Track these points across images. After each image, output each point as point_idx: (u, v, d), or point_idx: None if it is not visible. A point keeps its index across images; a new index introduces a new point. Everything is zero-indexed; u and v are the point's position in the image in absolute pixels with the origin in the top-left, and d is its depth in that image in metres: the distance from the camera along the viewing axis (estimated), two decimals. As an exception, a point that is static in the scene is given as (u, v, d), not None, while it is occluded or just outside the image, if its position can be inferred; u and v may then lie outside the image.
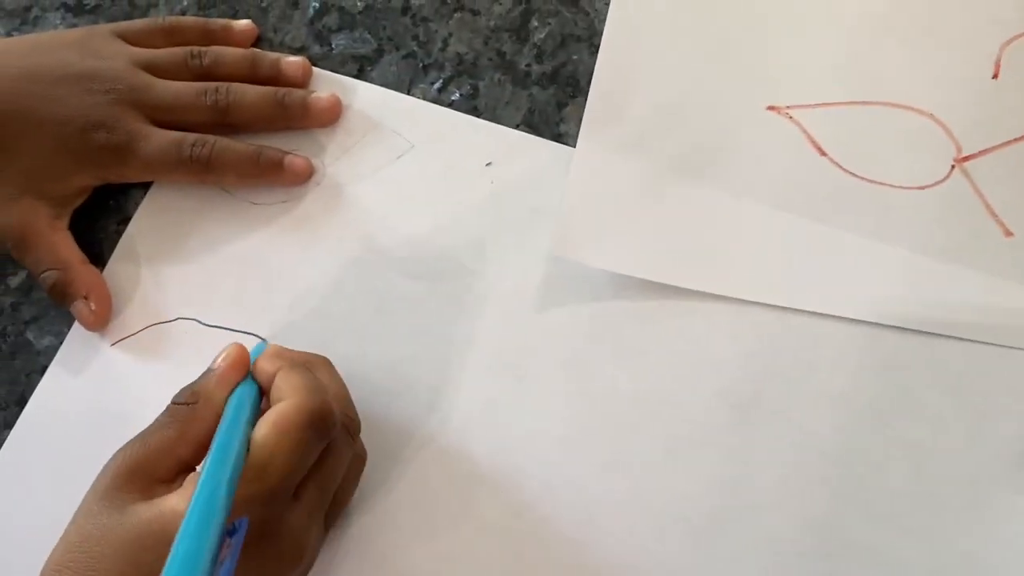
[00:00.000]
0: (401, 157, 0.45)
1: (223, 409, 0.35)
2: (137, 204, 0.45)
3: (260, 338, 0.42)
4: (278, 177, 0.44)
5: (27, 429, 0.41)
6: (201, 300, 0.43)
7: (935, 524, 0.38)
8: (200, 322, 0.43)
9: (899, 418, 0.39)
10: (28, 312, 0.43)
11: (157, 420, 0.35)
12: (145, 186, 0.45)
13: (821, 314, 0.40)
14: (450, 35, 0.46)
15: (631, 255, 0.41)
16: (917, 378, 0.39)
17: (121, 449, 0.34)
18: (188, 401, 0.35)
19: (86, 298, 0.42)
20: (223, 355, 0.36)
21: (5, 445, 0.41)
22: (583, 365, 0.41)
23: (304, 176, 0.44)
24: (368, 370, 0.41)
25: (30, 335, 0.43)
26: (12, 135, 0.42)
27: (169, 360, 0.42)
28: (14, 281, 0.44)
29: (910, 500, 0.38)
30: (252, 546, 0.31)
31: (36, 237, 0.42)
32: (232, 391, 0.35)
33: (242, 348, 0.37)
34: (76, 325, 0.42)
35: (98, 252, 0.44)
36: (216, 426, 0.34)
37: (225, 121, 0.44)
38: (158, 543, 0.31)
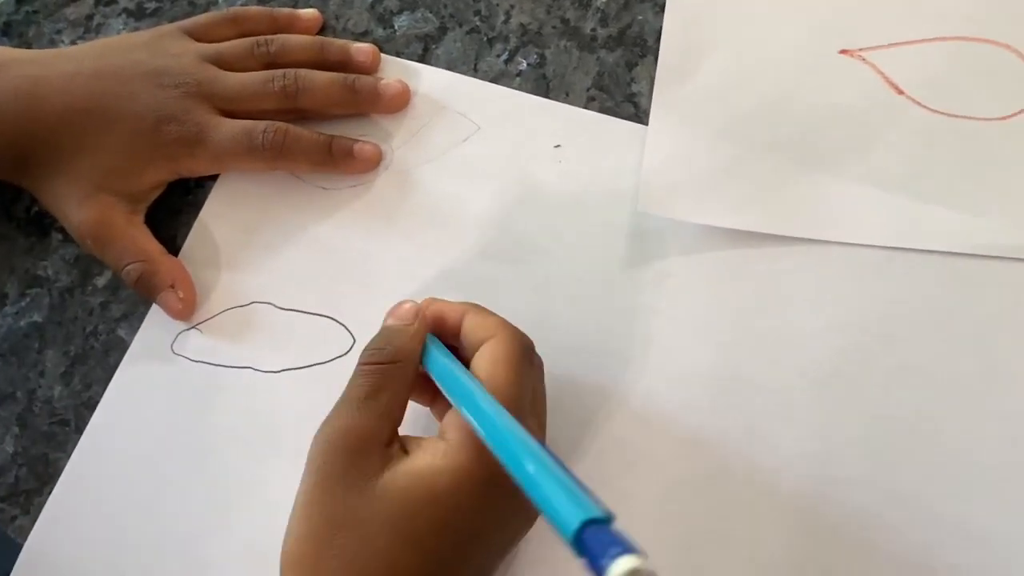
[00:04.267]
0: (468, 139, 0.45)
1: (419, 363, 0.34)
2: (214, 198, 0.45)
3: (336, 321, 0.42)
4: (350, 165, 0.44)
5: (108, 414, 0.42)
6: (274, 284, 0.43)
7: None
8: (275, 305, 0.43)
9: (986, 388, 0.38)
10: (117, 310, 0.43)
11: (359, 385, 0.33)
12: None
13: (899, 279, 0.39)
14: (512, 7, 0.46)
15: (713, 206, 0.41)
16: (1003, 347, 0.38)
17: (334, 422, 0.32)
18: (394, 359, 0.34)
19: (172, 287, 0.42)
20: (400, 312, 0.36)
21: (86, 432, 0.41)
22: (661, 343, 0.40)
23: (374, 163, 0.44)
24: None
25: (121, 332, 0.43)
26: (87, 133, 0.42)
27: (245, 343, 0.42)
28: (100, 281, 0.44)
29: (1005, 473, 0.37)
30: (499, 486, 0.30)
31: (115, 232, 0.42)
32: (423, 345, 0.35)
33: (418, 304, 0.36)
34: (152, 312, 0.43)
35: (177, 248, 0.44)
36: (413, 383, 0.34)
37: (294, 107, 0.44)
38: (424, 505, 0.30)
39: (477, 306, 0.36)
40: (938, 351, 0.39)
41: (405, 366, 0.34)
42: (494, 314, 0.35)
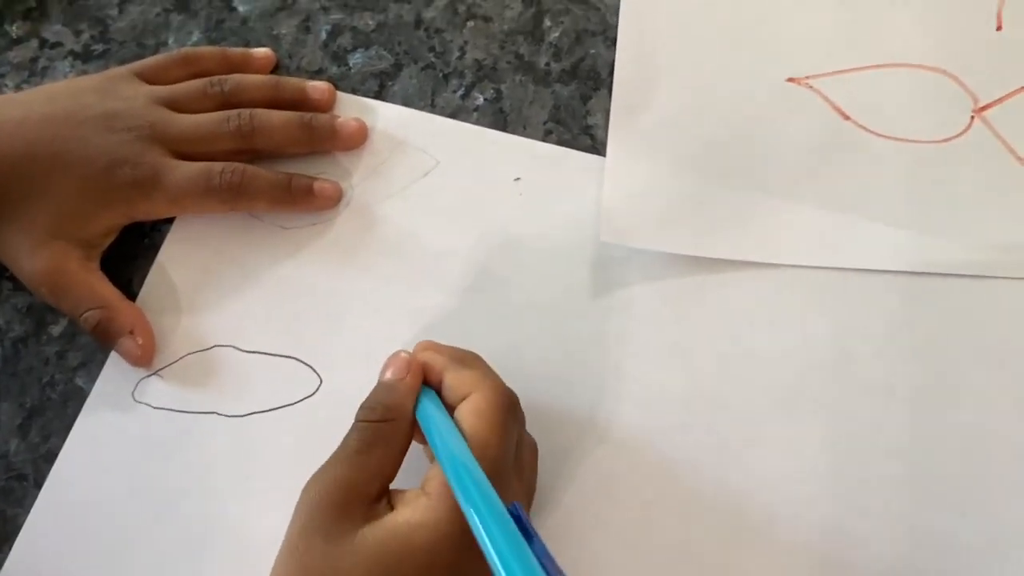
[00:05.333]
0: (428, 174, 0.45)
1: (413, 419, 0.34)
2: (170, 240, 0.44)
3: (302, 361, 0.42)
4: (310, 203, 0.44)
5: (68, 466, 0.40)
6: (236, 327, 0.43)
7: (993, 504, 0.38)
8: (238, 348, 0.42)
9: (945, 400, 0.39)
10: (75, 359, 0.42)
11: (353, 440, 0.33)
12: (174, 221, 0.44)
13: (857, 298, 0.41)
14: (466, 43, 0.47)
15: (673, 234, 0.42)
16: (958, 361, 0.40)
17: (324, 475, 0.33)
18: (386, 418, 0.34)
19: (131, 333, 0.41)
20: (396, 365, 0.35)
21: (45, 485, 0.40)
22: (628, 369, 0.40)
23: (334, 200, 0.44)
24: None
25: (79, 381, 0.42)
26: (38, 178, 0.41)
27: (209, 388, 0.41)
28: (56, 329, 0.43)
29: (964, 483, 0.38)
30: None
31: (70, 279, 0.41)
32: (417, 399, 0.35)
33: (412, 355, 0.36)
34: (111, 360, 0.42)
35: (134, 293, 0.43)
36: (410, 436, 0.34)
37: (250, 147, 0.44)
38: (400, 560, 0.30)
39: (459, 358, 0.36)
40: (895, 366, 0.40)
41: (399, 424, 0.34)
42: (476, 366, 0.35)
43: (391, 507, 0.32)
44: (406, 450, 0.34)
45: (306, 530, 0.31)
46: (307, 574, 0.31)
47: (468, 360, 0.36)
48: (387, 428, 0.34)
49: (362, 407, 0.35)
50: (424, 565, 0.30)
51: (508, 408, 0.34)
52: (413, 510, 0.31)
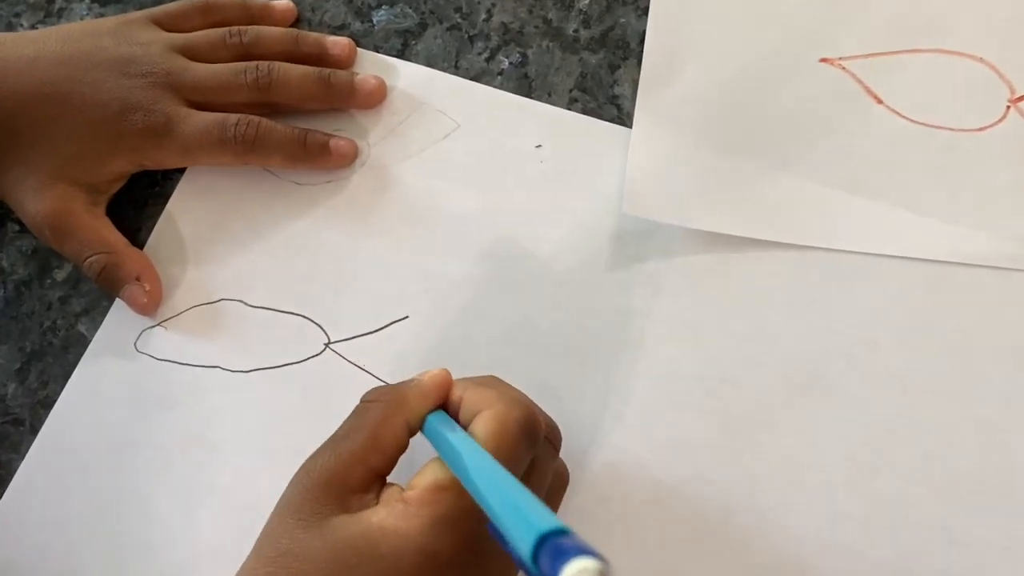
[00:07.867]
0: (447, 137, 0.44)
1: (418, 424, 0.32)
2: (181, 191, 0.43)
3: (310, 319, 0.41)
4: (325, 160, 0.43)
5: (66, 414, 0.40)
6: (245, 281, 0.42)
7: (1008, 501, 0.37)
8: (245, 303, 0.41)
9: (965, 395, 0.38)
10: (78, 304, 0.41)
11: (347, 423, 0.33)
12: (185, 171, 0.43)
13: (882, 285, 0.40)
14: (493, 5, 0.46)
15: (697, 210, 0.41)
16: (982, 355, 0.39)
17: (312, 458, 0.32)
18: (374, 399, 0.33)
19: (138, 280, 0.40)
20: (430, 374, 0.33)
21: (42, 432, 0.39)
22: (643, 345, 0.40)
23: (350, 159, 0.43)
24: (420, 353, 0.40)
25: (82, 328, 0.41)
26: (48, 120, 0.40)
27: (214, 341, 0.41)
28: (60, 274, 0.42)
29: (981, 478, 0.37)
30: (469, 566, 0.30)
31: (75, 223, 0.40)
32: (431, 410, 0.32)
33: (448, 374, 0.33)
34: (114, 308, 0.41)
35: (141, 242, 0.42)
36: (400, 430, 0.32)
37: (267, 100, 0.43)
38: (363, 560, 0.29)
39: (479, 380, 0.34)
40: (916, 356, 0.39)
41: (384, 407, 0.32)
42: (495, 386, 0.33)
43: (379, 502, 0.31)
44: (396, 441, 0.32)
45: (284, 511, 0.31)
46: (276, 552, 0.30)
47: (488, 381, 0.34)
48: (372, 408, 0.32)
49: (369, 389, 0.34)
50: (384, 571, 0.29)
51: (519, 424, 0.31)
52: (388, 513, 0.30)
